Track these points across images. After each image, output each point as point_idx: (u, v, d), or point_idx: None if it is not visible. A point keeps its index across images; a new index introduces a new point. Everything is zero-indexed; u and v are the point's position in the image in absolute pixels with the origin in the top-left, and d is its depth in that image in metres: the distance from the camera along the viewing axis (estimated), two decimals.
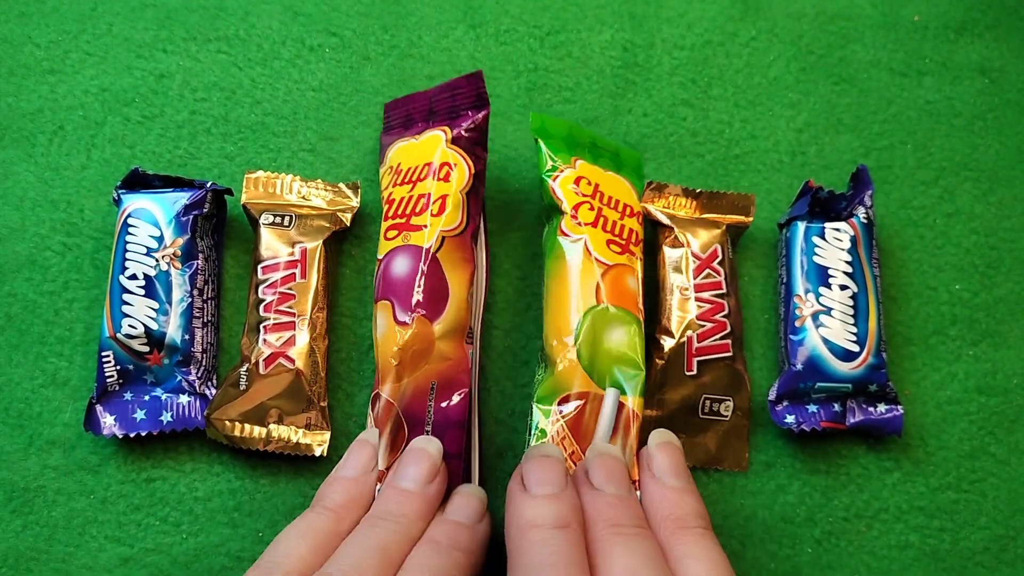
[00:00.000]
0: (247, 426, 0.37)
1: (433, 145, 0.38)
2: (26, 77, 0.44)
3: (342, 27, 0.46)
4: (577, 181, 0.37)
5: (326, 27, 0.46)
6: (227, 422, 0.37)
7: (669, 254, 0.40)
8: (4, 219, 0.42)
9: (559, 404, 0.34)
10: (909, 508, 0.39)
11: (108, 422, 0.37)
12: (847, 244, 0.39)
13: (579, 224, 0.36)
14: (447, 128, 0.38)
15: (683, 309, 0.39)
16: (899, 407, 0.39)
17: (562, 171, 0.38)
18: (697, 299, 0.39)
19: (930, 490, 0.39)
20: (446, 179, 0.36)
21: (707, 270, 0.40)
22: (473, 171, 0.37)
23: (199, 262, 0.38)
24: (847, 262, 0.39)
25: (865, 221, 0.40)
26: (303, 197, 0.41)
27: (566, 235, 0.36)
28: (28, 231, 0.41)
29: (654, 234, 0.41)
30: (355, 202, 0.41)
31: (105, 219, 0.42)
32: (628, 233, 0.37)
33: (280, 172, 0.42)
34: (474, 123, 0.38)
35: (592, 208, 0.37)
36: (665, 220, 0.41)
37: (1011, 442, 0.40)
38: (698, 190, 0.41)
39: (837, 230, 0.40)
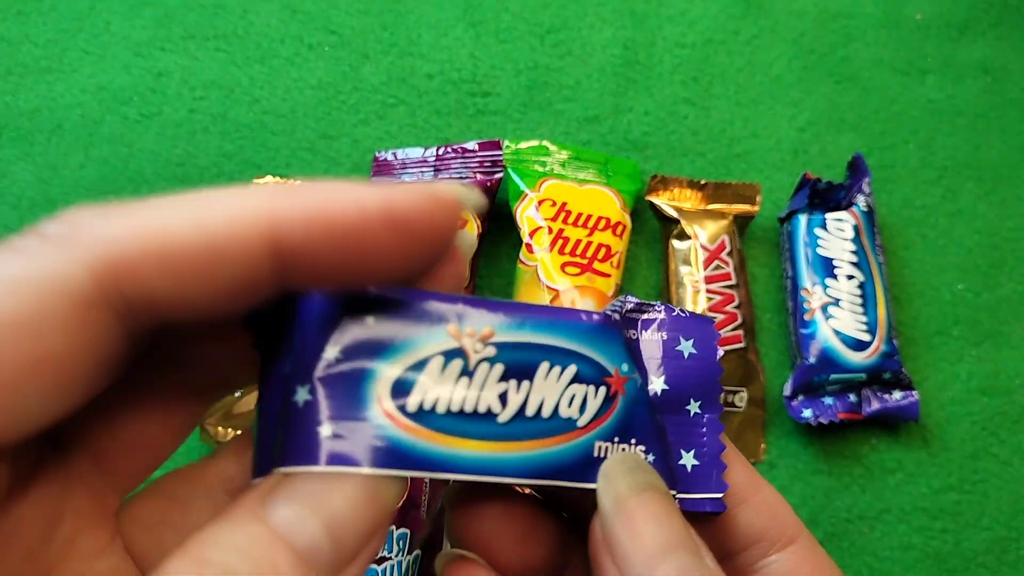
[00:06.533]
0: (240, 433, 0.37)
1: None
2: (24, 76, 0.44)
3: (341, 25, 0.45)
4: (539, 205, 0.38)
5: (325, 25, 0.45)
6: (219, 428, 0.37)
7: (677, 246, 0.40)
8: (2, 218, 0.41)
9: None
10: (912, 509, 0.39)
11: None
12: (850, 233, 0.39)
13: (533, 251, 0.37)
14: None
15: (694, 302, 0.39)
16: (914, 392, 0.38)
17: (525, 197, 0.38)
18: (708, 291, 0.39)
19: (932, 491, 0.39)
20: None
21: (716, 261, 0.40)
22: (480, 232, 0.38)
23: None
24: (851, 251, 0.39)
25: (865, 209, 0.40)
26: None
27: (523, 263, 0.37)
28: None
29: (661, 227, 0.41)
30: None
31: None
32: (595, 250, 0.37)
33: (278, 172, 0.41)
34: (488, 184, 0.38)
35: (551, 231, 0.37)
36: (672, 213, 0.41)
37: (1014, 443, 0.40)
38: (703, 181, 0.41)
39: (839, 220, 0.39)
